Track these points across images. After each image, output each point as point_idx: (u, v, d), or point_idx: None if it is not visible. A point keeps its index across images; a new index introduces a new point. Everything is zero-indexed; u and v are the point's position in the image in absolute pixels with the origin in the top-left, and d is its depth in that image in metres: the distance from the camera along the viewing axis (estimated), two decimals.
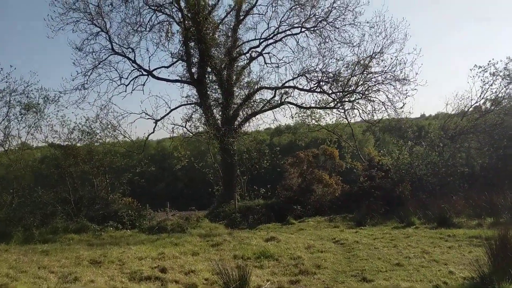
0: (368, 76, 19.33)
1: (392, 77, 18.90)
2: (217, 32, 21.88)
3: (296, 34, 22.02)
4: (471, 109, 23.16)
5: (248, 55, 22.95)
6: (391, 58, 19.02)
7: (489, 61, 22.03)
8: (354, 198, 19.49)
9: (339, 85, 19.81)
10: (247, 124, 23.12)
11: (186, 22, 20.93)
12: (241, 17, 21.99)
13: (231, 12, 21.84)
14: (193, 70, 21.57)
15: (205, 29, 20.05)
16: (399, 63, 18.70)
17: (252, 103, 22.48)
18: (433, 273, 7.59)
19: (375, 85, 19.26)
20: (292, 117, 24.16)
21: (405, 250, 9.58)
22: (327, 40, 20.33)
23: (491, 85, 22.22)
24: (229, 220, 19.17)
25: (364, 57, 18.93)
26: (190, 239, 12.53)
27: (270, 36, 21.80)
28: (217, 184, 24.01)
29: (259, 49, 22.74)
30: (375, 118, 20.06)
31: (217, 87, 22.19)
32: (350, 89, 19.55)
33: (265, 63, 23.22)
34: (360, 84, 19.40)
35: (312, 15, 20.50)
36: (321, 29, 20.91)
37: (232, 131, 21.03)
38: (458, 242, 10.38)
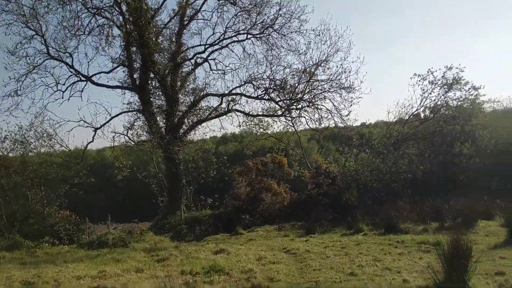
0: (314, 84, 19.48)
1: (337, 85, 19.16)
2: (161, 37, 21.23)
3: (242, 40, 21.84)
4: (411, 117, 23.95)
5: (193, 61, 22.47)
6: (337, 66, 19.27)
7: (428, 69, 22.91)
8: (302, 206, 19.43)
9: (286, 92, 19.77)
10: (193, 132, 22.57)
11: (128, 26, 20.11)
12: (186, 22, 21.48)
13: (175, 17, 21.27)
14: (135, 76, 20.74)
15: (147, 34, 19.32)
16: (344, 71, 19.00)
17: (198, 110, 21.97)
18: (387, 282, 7.47)
19: (321, 93, 19.44)
20: (240, 125, 23.92)
21: (357, 259, 9.47)
22: (273, 47, 20.30)
23: (430, 93, 23.11)
24: (175, 232, 18.49)
25: (310, 65, 19.08)
26: (133, 254, 11.78)
27: (216, 42, 21.46)
28: (161, 195, 23.20)
29: (204, 55, 22.34)
30: (322, 126, 20.20)
31: (160, 93, 21.46)
32: (297, 97, 19.57)
33: (211, 69, 22.85)
34: (306, 92, 19.49)
35: (259, 22, 20.42)
36: (268, 36, 20.86)
37: (177, 140, 20.39)
38: (407, 248, 10.45)
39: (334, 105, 19.29)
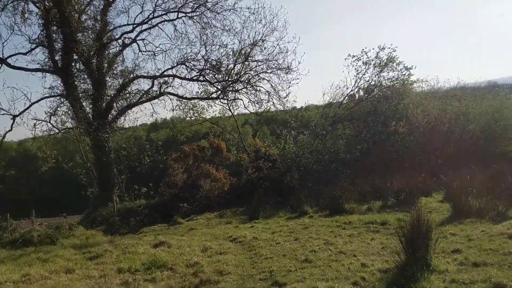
0: (251, 64, 18.81)
1: (275, 65, 18.62)
2: (84, 15, 19.46)
3: (173, 20, 20.61)
4: (346, 98, 24.12)
5: (120, 41, 20.92)
6: (273, 46, 18.66)
7: (362, 50, 23.05)
8: (243, 191, 18.90)
9: (222, 74, 18.93)
10: (123, 117, 21.12)
11: (46, 2, 18.18)
12: None
13: None
14: (57, 57, 18.84)
15: (69, 11, 17.59)
16: (281, 52, 18.47)
17: (128, 94, 20.56)
18: (345, 267, 7.04)
19: (258, 74, 18.79)
20: (173, 110, 22.81)
21: (308, 243, 9.02)
22: (207, 27, 19.30)
23: (364, 74, 23.33)
24: (107, 225, 17.29)
25: (246, 45, 18.34)
26: (62, 253, 10.53)
27: (145, 21, 20.07)
28: (91, 186, 21.62)
29: (132, 35, 20.86)
30: (261, 108, 19.60)
31: (86, 76, 19.78)
32: (233, 78, 18.79)
33: (140, 50, 21.44)
34: (243, 73, 18.78)
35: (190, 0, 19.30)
36: (201, 15, 19.83)
37: (106, 126, 18.94)
38: (356, 229, 10.18)
39: (272, 86, 18.76)
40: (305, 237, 9.74)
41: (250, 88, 19.05)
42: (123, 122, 21.43)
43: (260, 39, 18.21)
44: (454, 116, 21.76)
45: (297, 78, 18.59)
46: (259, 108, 18.92)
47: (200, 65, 19.11)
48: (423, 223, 6.53)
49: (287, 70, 18.40)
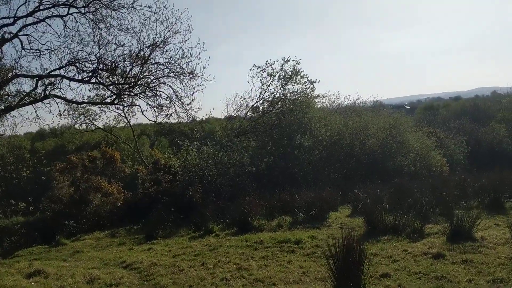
0: (151, 67, 17.20)
1: (178, 70, 17.24)
2: None
3: (63, 16, 18.32)
4: (251, 109, 23.53)
5: None
6: (176, 49, 17.27)
7: (267, 61, 22.65)
8: (139, 207, 17.19)
9: (118, 76, 17.05)
10: (0, 123, 18.17)
11: None
12: None
13: None
14: None
15: None
16: (185, 56, 17.17)
17: (6, 96, 17.73)
18: None
19: (159, 78, 17.24)
20: (60, 115, 20.18)
21: (218, 269, 7.79)
22: (101, 24, 17.31)
23: (269, 85, 22.94)
24: None
25: (146, 46, 16.74)
26: None
27: (30, 14, 17.52)
28: None
29: (14, 29, 18.14)
30: (160, 115, 17.94)
31: None
32: (131, 81, 16.99)
33: (23, 48, 18.67)
34: (142, 76, 17.10)
35: None
36: (95, 12, 17.84)
37: None
38: (269, 249, 9.17)
39: (175, 92, 17.30)
40: (213, 261, 8.46)
41: (150, 93, 17.42)
42: (0, 127, 18.46)
43: (161, 41, 16.74)
44: (355, 131, 22.22)
45: (202, 84, 17.35)
46: (159, 113, 17.29)
47: (92, 65, 17.04)
48: (355, 245, 5.74)
49: (191, 75, 17.11)
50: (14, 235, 15.08)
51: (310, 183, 18.51)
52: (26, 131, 36.51)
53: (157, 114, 17.46)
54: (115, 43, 16.58)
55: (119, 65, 16.79)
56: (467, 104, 51.95)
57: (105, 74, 17.18)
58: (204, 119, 17.58)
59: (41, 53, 18.68)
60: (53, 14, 18.44)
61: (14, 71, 17.46)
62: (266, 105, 23.64)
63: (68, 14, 18.23)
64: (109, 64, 16.78)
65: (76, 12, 18.26)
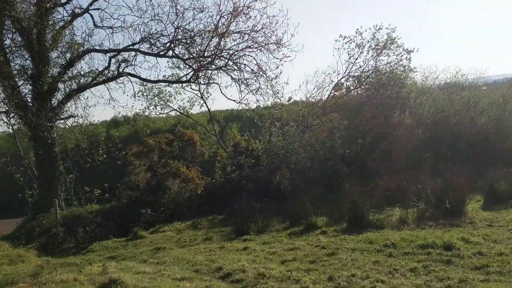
0: (233, 36, 15.32)
1: (263, 39, 15.25)
2: None
3: None
4: (335, 86, 21.08)
5: (69, 8, 17.01)
6: (260, 15, 15.23)
7: (357, 29, 20.04)
8: (221, 194, 15.57)
9: (197, 47, 15.30)
10: (72, 103, 17.17)
11: None
12: None
13: None
14: None
15: None
16: (270, 22, 15.11)
17: (77, 74, 16.71)
18: None
19: (243, 49, 15.31)
20: (135, 96, 18.95)
21: (353, 286, 5.76)
22: None
23: (357, 58, 20.36)
24: (48, 237, 13.59)
25: (227, 13, 14.83)
26: None
27: None
28: (31, 187, 17.61)
29: (85, 2, 17.02)
30: (245, 91, 15.99)
31: (22, 49, 15.85)
32: (212, 53, 15.14)
33: (94, 24, 17.57)
34: (223, 47, 15.23)
35: None
36: None
37: (48, 112, 15.13)
38: (410, 257, 6.80)
39: (259, 66, 15.31)
40: (341, 273, 6.26)
41: (233, 66, 15.58)
42: (73, 108, 17.51)
43: (244, 5, 14.79)
44: (464, 107, 19.11)
45: (288, 56, 15.26)
46: (245, 88, 15.38)
47: (169, 38, 15.42)
48: None
49: (277, 45, 15.07)
50: (89, 225, 13.95)
51: (413, 168, 15.99)
52: (101, 119, 36.46)
53: (241, 89, 15.55)
54: (194, 9, 14.83)
55: (198, 35, 15.02)
56: None
57: (183, 47, 15.55)
58: (292, 96, 15.43)
59: (114, 30, 17.53)
60: None
61: (85, 46, 16.36)
62: (352, 81, 21.13)
63: None
64: (187, 34, 15.11)
65: None
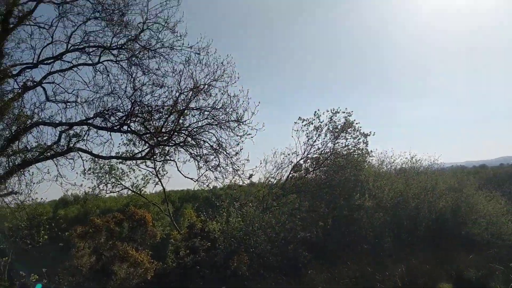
0: (193, 113, 14.84)
1: (222, 116, 14.86)
2: None
3: (94, 64, 16.47)
4: (294, 166, 20.86)
5: (20, 81, 16.17)
6: (222, 93, 14.94)
7: (315, 112, 20.32)
8: (173, 280, 14.29)
9: (154, 122, 14.63)
10: (16, 179, 15.75)
11: None
12: (11, 25, 15.39)
13: None
14: None
15: None
16: (231, 100, 14.84)
17: (24, 148, 15.51)
18: None
19: (203, 126, 14.80)
20: (85, 173, 17.81)
21: None
22: (134, 69, 15.26)
23: (315, 140, 20.48)
24: None
25: (187, 89, 14.48)
26: None
27: (57, 57, 15.71)
28: None
29: (37, 75, 16.24)
30: (203, 167, 15.22)
31: None
32: (172, 129, 14.44)
33: (47, 98, 16.68)
34: (183, 125, 14.63)
35: (120, 34, 15.40)
36: (130, 58, 15.93)
37: None
38: None
39: (218, 141, 14.78)
40: None
41: (191, 142, 14.95)
42: (16, 185, 16.06)
43: (206, 83, 14.50)
44: (423, 192, 19.11)
45: (249, 134, 14.86)
46: (204, 165, 14.62)
47: (124, 112, 14.75)
48: None
49: (238, 123, 14.70)
50: None
51: (372, 252, 15.49)
52: (50, 199, 34.52)
53: (200, 165, 14.80)
54: (153, 84, 14.43)
55: (156, 110, 14.46)
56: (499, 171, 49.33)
57: (139, 122, 14.86)
58: (253, 173, 14.84)
59: (67, 105, 16.76)
60: (82, 62, 16.66)
61: (34, 119, 15.41)
62: (311, 162, 21.04)
63: (99, 62, 16.46)
64: (144, 109, 14.54)
65: (108, 60, 16.46)
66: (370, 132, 19.94)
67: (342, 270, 12.13)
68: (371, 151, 20.48)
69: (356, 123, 19.75)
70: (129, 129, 14.82)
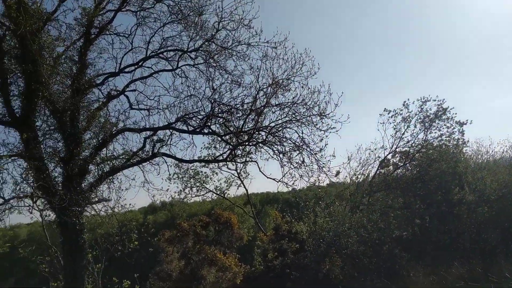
0: (273, 109, 14.24)
1: (304, 111, 14.10)
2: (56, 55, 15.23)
3: (172, 69, 16.49)
4: (382, 162, 19.56)
5: (104, 90, 16.57)
6: (301, 86, 14.17)
7: (404, 102, 18.94)
8: (263, 284, 13.73)
9: (234, 122, 14.22)
10: (106, 186, 16.12)
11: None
12: (93, 36, 15.82)
13: (78, 28, 15.53)
14: (14, 104, 14.35)
15: (34, 43, 13.51)
16: (313, 92, 14.01)
17: (111, 155, 15.84)
18: None
19: (283, 123, 14.15)
20: (170, 179, 17.92)
21: None
22: (216, 71, 15.00)
23: (403, 133, 19.06)
24: None
25: (266, 85, 13.91)
26: None
27: (138, 63, 15.89)
28: (56, 279, 16.17)
29: (120, 83, 16.63)
30: (287, 165, 14.56)
31: (54, 131, 15.22)
32: (253, 128, 13.94)
33: (131, 106, 16.99)
34: (263, 123, 14.11)
35: (196, 37, 15.24)
36: (207, 61, 15.72)
37: (77, 196, 14.08)
38: None
39: (301, 138, 14.00)
40: None
41: (273, 139, 14.34)
42: (106, 192, 16.45)
43: (285, 78, 13.82)
44: None
45: (333, 127, 13.91)
46: (287, 163, 13.92)
47: (204, 112, 14.49)
48: None
49: (320, 117, 13.80)
50: None
51: (479, 251, 13.90)
52: (139, 206, 35.86)
53: (283, 163, 14.09)
54: (232, 82, 14.03)
55: (236, 108, 14.03)
56: None
57: (219, 122, 14.53)
58: (340, 170, 13.94)
59: (150, 112, 16.91)
60: (161, 69, 16.74)
61: (119, 126, 15.66)
62: (399, 156, 19.63)
63: (177, 67, 16.41)
64: (224, 108, 14.18)
65: (186, 65, 16.36)
66: (467, 120, 18.15)
67: (449, 271, 10.78)
68: (468, 141, 18.65)
69: (451, 109, 18.03)
70: (210, 130, 14.61)
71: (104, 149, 15.91)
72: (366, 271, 12.99)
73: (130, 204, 16.75)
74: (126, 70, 16.51)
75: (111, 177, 16.00)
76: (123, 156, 16.45)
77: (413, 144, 19.06)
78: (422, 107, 18.67)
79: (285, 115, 14.12)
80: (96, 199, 16.05)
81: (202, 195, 20.34)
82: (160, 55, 16.14)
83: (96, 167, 15.95)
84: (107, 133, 15.17)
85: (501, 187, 16.83)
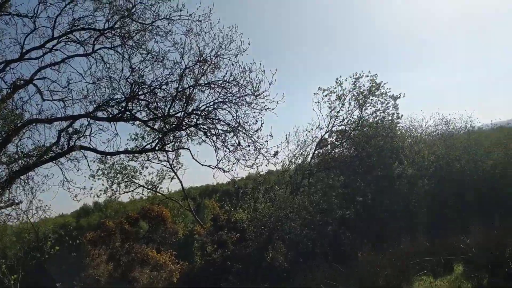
0: (202, 88, 12.90)
1: (236, 90, 12.92)
2: None
3: (88, 54, 14.67)
4: (319, 142, 18.93)
5: (9, 78, 14.44)
6: (232, 64, 12.98)
7: (336, 79, 18.32)
8: (203, 280, 12.53)
9: (161, 104, 12.73)
10: (20, 188, 14.06)
11: None
12: None
13: None
14: None
15: None
16: (244, 71, 12.88)
17: (16, 151, 13.81)
18: None
19: (216, 103, 12.83)
20: (94, 176, 16.09)
21: None
22: (135, 48, 13.43)
23: (338, 111, 18.49)
24: None
25: (193, 63, 12.58)
26: None
27: (43, 45, 13.93)
28: None
29: (25, 71, 14.56)
30: (219, 154, 13.27)
31: None
32: (182, 110, 12.50)
33: (42, 97, 14.92)
34: (194, 104, 12.72)
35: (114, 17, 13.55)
36: (124, 42, 14.09)
37: None
38: None
39: (235, 118, 12.76)
40: None
41: (204, 122, 13.01)
42: (19, 195, 14.38)
43: (214, 55, 12.52)
44: (465, 151, 17.04)
45: (268, 108, 12.87)
46: (222, 146, 12.65)
47: (124, 94, 12.88)
48: None
49: (253, 96, 12.68)
50: None
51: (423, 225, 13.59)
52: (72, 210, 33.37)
53: (217, 146, 12.78)
54: (153, 58, 12.55)
55: (159, 87, 12.53)
56: None
57: (142, 104, 12.97)
58: (279, 150, 12.86)
59: (66, 104, 14.93)
60: (75, 54, 14.77)
61: (24, 116, 13.66)
62: (336, 135, 19.11)
63: (93, 51, 14.53)
64: (146, 88, 12.63)
65: (103, 48, 14.56)
66: (400, 94, 17.90)
67: (399, 250, 10.20)
68: (402, 116, 18.43)
69: (384, 84, 17.67)
70: (132, 115, 13.01)
71: (12, 146, 13.90)
72: (311, 256, 12.18)
73: (46, 206, 14.87)
74: (33, 56, 14.43)
75: (22, 177, 14.02)
76: (35, 152, 14.49)
77: (349, 122, 18.57)
78: (356, 83, 18.18)
79: (217, 96, 12.90)
80: (3, 204, 14.04)
81: (132, 191, 18.65)
82: (72, 37, 14.21)
83: (6, 167, 13.94)
84: (11, 126, 13.17)
85: (438, 159, 16.76)
